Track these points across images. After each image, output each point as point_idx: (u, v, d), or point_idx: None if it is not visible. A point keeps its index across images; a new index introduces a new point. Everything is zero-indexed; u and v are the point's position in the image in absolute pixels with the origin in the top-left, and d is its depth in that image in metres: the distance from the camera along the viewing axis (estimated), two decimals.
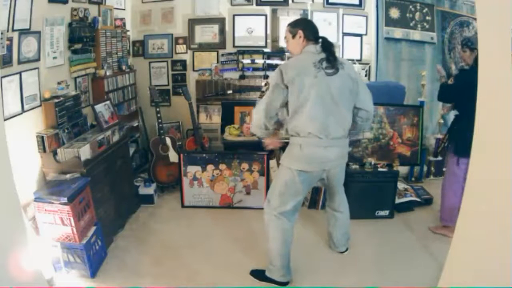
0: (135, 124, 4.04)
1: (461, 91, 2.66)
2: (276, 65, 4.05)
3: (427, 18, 4.17)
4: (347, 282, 2.38)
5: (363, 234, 2.95)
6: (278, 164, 2.40)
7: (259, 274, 2.43)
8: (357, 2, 4.12)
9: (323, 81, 2.08)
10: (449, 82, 2.78)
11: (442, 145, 3.00)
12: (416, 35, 4.18)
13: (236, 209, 3.40)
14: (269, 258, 2.37)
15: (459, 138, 2.77)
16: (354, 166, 3.18)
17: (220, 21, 4.18)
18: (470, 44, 2.71)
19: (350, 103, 2.23)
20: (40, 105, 2.62)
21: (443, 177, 2.99)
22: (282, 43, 4.15)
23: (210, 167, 3.36)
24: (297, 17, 4.01)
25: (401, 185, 3.52)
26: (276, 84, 2.10)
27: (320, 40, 2.21)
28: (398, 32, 4.15)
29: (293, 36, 2.22)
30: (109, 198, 2.88)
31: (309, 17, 4.05)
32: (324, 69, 2.09)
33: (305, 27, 2.21)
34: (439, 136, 3.82)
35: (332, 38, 2.26)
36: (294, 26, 2.24)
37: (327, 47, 2.17)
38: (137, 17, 4.26)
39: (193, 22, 4.21)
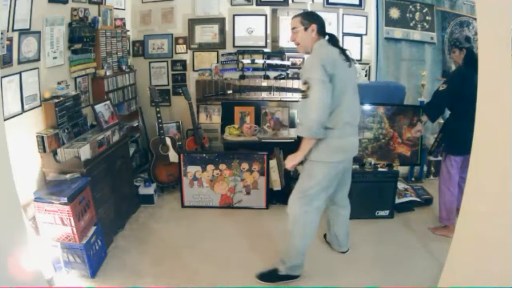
0: (135, 124, 4.04)
1: (455, 93, 2.64)
2: (276, 65, 4.07)
3: (427, 18, 4.17)
4: (347, 282, 2.38)
5: (363, 234, 2.95)
6: (302, 162, 2.31)
7: (269, 276, 2.40)
8: (357, 2, 4.11)
9: (349, 73, 2.18)
10: (441, 88, 2.75)
11: (435, 144, 3.01)
12: (416, 35, 4.17)
13: (236, 209, 3.40)
14: (285, 254, 2.36)
15: (451, 137, 2.78)
16: (354, 166, 3.17)
17: (220, 21, 4.17)
18: (458, 44, 2.69)
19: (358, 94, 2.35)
20: (40, 105, 2.62)
21: (439, 177, 3.00)
22: (282, 43, 4.15)
23: (210, 167, 3.36)
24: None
25: (401, 185, 3.52)
26: (323, 81, 2.03)
27: (328, 35, 2.23)
28: (398, 32, 4.15)
29: (305, 29, 2.17)
30: (109, 198, 2.88)
31: None
32: (345, 61, 2.16)
33: (319, 22, 2.19)
34: None
35: None
36: (307, 18, 2.18)
37: (336, 42, 2.22)
38: (137, 17, 4.26)
39: (193, 22, 4.21)
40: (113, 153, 2.96)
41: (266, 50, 4.16)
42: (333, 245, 2.75)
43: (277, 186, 3.36)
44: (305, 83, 2.08)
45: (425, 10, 4.17)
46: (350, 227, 2.72)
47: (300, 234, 2.31)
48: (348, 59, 2.18)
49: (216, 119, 4.10)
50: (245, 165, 3.34)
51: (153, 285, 2.37)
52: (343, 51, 2.19)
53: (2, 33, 2.22)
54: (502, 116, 1.26)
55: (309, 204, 2.28)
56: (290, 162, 2.24)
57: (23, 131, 2.46)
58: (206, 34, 4.22)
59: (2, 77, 2.25)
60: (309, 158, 2.24)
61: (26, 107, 2.48)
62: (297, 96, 3.86)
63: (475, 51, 2.78)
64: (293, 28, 2.23)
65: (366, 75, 4.10)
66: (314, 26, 2.17)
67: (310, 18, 2.19)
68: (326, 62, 2.05)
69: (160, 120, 3.58)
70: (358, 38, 4.18)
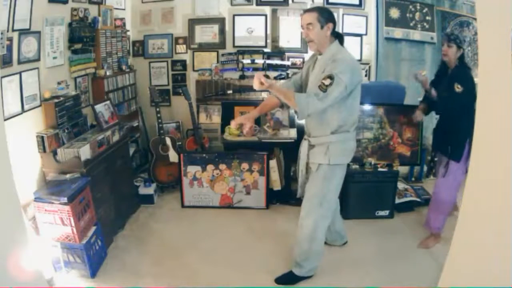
0: (135, 124, 4.03)
1: (471, 95, 2.38)
2: (276, 65, 4.06)
3: (427, 18, 4.17)
4: (347, 282, 2.38)
5: (363, 234, 2.95)
6: (307, 166, 2.33)
7: (287, 279, 2.41)
8: (357, 2, 4.11)
9: None
10: (457, 89, 2.54)
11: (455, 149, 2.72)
12: (416, 35, 4.17)
13: (236, 209, 3.40)
14: (303, 257, 2.35)
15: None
16: (354, 166, 3.18)
17: (220, 21, 4.17)
18: (459, 42, 2.62)
19: None
20: (40, 105, 2.62)
21: (447, 189, 2.73)
22: (282, 43, 4.15)
23: (210, 167, 3.36)
24: (297, 17, 4.00)
25: (401, 185, 3.52)
26: (346, 87, 2.01)
27: (337, 36, 2.20)
28: (398, 32, 4.15)
29: (322, 27, 2.08)
30: (109, 198, 2.88)
31: None
32: None
33: (334, 21, 2.12)
34: None
35: None
36: (325, 16, 2.09)
37: (343, 43, 2.23)
38: (137, 17, 4.25)
39: (193, 22, 4.20)
40: (113, 153, 2.96)
41: (266, 50, 4.16)
42: (335, 242, 2.77)
43: (277, 186, 3.36)
44: (330, 77, 1.98)
45: (425, 10, 4.16)
46: (350, 227, 2.79)
47: (321, 239, 2.34)
48: None
49: (216, 119, 4.10)
50: (245, 165, 3.34)
51: (153, 285, 2.37)
52: None
53: (2, 33, 2.22)
54: (502, 116, 1.26)
55: (329, 208, 2.30)
56: (264, 79, 2.02)
57: (23, 131, 2.46)
58: (206, 34, 4.22)
59: (2, 77, 2.25)
60: (325, 162, 2.19)
61: (26, 107, 2.48)
62: None
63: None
64: (308, 24, 2.09)
65: (366, 75, 4.10)
66: (330, 25, 2.10)
67: (328, 17, 2.10)
68: (356, 71, 2.08)
69: (160, 120, 3.58)
70: (358, 38, 4.18)
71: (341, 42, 2.20)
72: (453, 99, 2.57)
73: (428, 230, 2.87)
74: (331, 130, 2.17)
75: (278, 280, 2.42)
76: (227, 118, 3.78)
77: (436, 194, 2.79)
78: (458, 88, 2.54)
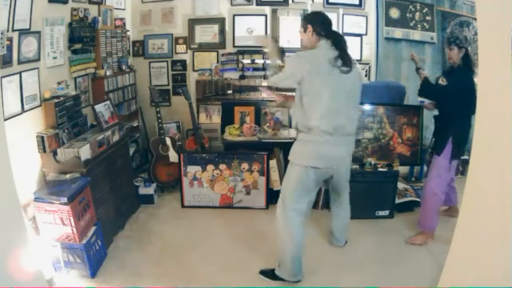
0: (135, 124, 4.03)
1: (457, 93, 2.56)
2: None
3: (427, 18, 4.17)
4: (347, 282, 2.38)
5: (363, 234, 2.95)
6: (278, 163, 2.40)
7: (269, 273, 2.43)
8: (357, 2, 4.11)
9: (338, 79, 2.12)
10: (441, 82, 2.70)
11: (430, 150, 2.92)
12: (416, 35, 4.17)
13: (236, 209, 3.40)
14: (280, 258, 2.36)
15: (461, 140, 2.68)
16: (354, 166, 3.17)
17: (220, 21, 4.18)
18: (459, 42, 2.66)
19: (357, 101, 2.30)
20: (40, 105, 2.62)
21: (431, 184, 2.77)
22: (282, 43, 4.15)
23: (210, 167, 3.36)
24: (297, 17, 4.01)
25: (401, 185, 3.52)
26: (292, 73, 2.18)
27: (332, 37, 2.21)
28: (398, 32, 4.15)
29: (305, 31, 2.25)
30: (109, 198, 2.88)
31: None
32: (339, 66, 2.12)
33: (314, 23, 2.21)
34: None
35: None
36: (305, 19, 2.26)
37: (340, 43, 2.19)
38: (137, 17, 4.26)
39: (193, 22, 4.21)
40: (113, 153, 2.96)
41: (266, 50, 4.16)
42: (331, 240, 2.80)
43: (277, 186, 3.36)
44: (283, 62, 2.23)
45: (425, 10, 4.17)
46: (350, 227, 2.76)
47: (285, 237, 2.30)
48: (346, 64, 2.13)
49: (216, 119, 4.10)
50: (245, 165, 3.34)
51: (153, 285, 2.37)
52: (343, 55, 2.14)
53: (2, 33, 2.22)
54: (502, 116, 1.26)
55: (287, 206, 2.27)
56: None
57: (23, 131, 2.46)
58: (206, 34, 4.22)
59: (2, 77, 2.25)
60: (290, 157, 2.30)
61: (26, 107, 2.48)
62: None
63: (470, 53, 2.77)
64: (298, 31, 2.31)
65: (366, 75, 4.11)
66: (310, 27, 2.21)
67: (308, 19, 2.24)
68: (304, 61, 2.15)
69: (160, 120, 3.58)
70: (358, 38, 4.18)
71: (335, 43, 2.18)
72: (436, 88, 2.74)
73: (419, 229, 2.88)
74: (294, 127, 2.33)
75: (262, 272, 2.46)
76: (227, 118, 3.79)
77: (424, 190, 2.88)
78: (442, 81, 2.69)
